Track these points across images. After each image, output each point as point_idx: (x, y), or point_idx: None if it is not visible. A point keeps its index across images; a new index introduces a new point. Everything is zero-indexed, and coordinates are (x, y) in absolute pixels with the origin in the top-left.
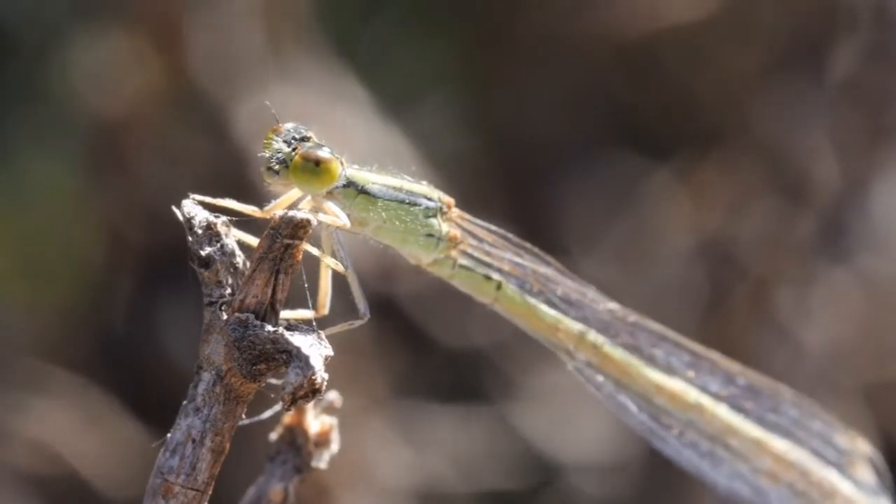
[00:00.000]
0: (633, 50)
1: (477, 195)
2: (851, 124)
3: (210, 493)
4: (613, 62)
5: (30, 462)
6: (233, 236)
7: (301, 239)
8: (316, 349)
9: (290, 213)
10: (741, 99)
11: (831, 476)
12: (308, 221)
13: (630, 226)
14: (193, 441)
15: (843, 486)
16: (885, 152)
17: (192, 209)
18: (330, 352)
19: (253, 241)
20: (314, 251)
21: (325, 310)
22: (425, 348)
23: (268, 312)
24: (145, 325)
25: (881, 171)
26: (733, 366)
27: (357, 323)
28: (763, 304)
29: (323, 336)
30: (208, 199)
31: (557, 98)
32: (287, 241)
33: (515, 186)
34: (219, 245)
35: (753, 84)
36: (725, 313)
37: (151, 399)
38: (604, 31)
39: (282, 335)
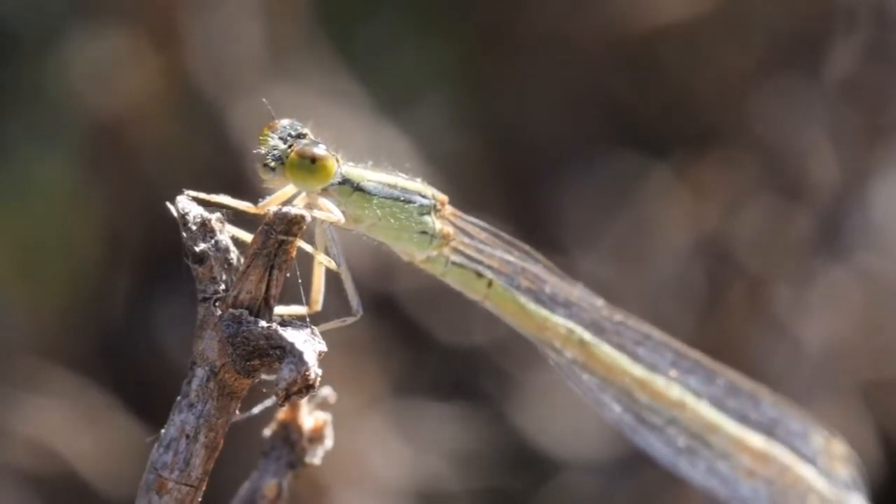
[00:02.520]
0: (631, 48)
1: (476, 193)
2: (850, 123)
3: (204, 488)
4: (612, 60)
5: (28, 460)
6: (227, 232)
7: (295, 235)
8: (310, 345)
9: (285, 209)
10: (740, 97)
11: (808, 472)
12: (302, 217)
13: (628, 223)
14: (187, 437)
15: (819, 481)
16: (884, 151)
17: (187, 205)
18: (324, 347)
19: (247, 237)
20: (307, 248)
21: (318, 306)
22: (423, 346)
23: (262, 308)
24: (143, 323)
25: (879, 170)
26: (716, 365)
27: (350, 320)
28: (761, 301)
29: (317, 332)
30: (202, 195)
31: (556, 96)
32: (281, 237)
33: (514, 184)
34: (213, 241)
35: (752, 82)
36: (724, 311)
37: (149, 397)
38: (602, 29)
39: (275, 331)
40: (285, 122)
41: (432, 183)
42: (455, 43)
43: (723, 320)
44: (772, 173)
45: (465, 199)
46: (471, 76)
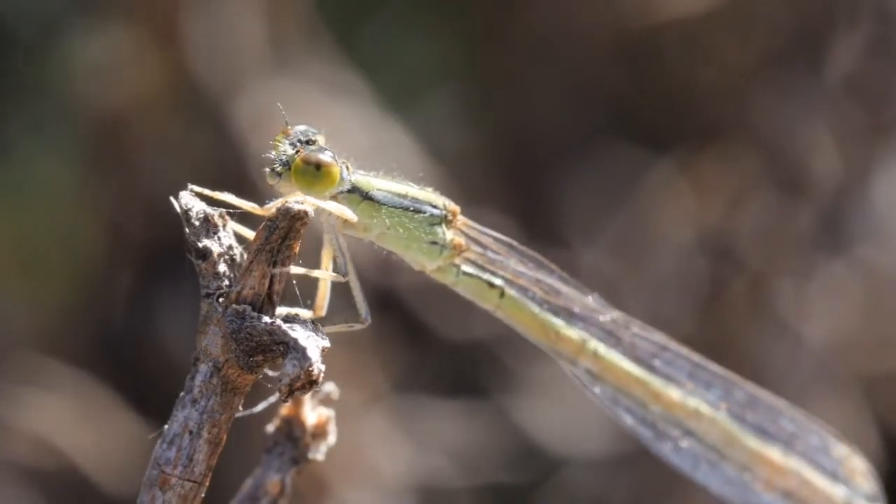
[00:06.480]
0: (634, 43)
1: (478, 188)
2: (851, 118)
3: (207, 484)
4: (614, 56)
5: (29, 456)
6: (230, 228)
7: (298, 231)
8: (313, 341)
9: (288, 204)
10: (741, 92)
11: (827, 484)
12: (305, 213)
13: (630, 218)
14: (190, 432)
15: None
16: (885, 146)
17: (190, 201)
18: (327, 343)
19: (250, 234)
20: (314, 273)
21: (323, 312)
22: (425, 342)
23: (265, 304)
24: (144, 319)
25: (881, 165)
26: (731, 376)
27: (357, 326)
28: (762, 296)
29: (320, 327)
30: (207, 192)
31: (559, 91)
32: (283, 233)
33: (516, 179)
34: (216, 237)
35: (754, 78)
36: (725, 306)
37: (150, 392)
38: (605, 24)
39: (279, 327)
40: (300, 128)
41: (435, 177)
42: (458, 38)
43: (724, 315)
44: (773, 168)
45: (468, 193)
46: (474, 71)
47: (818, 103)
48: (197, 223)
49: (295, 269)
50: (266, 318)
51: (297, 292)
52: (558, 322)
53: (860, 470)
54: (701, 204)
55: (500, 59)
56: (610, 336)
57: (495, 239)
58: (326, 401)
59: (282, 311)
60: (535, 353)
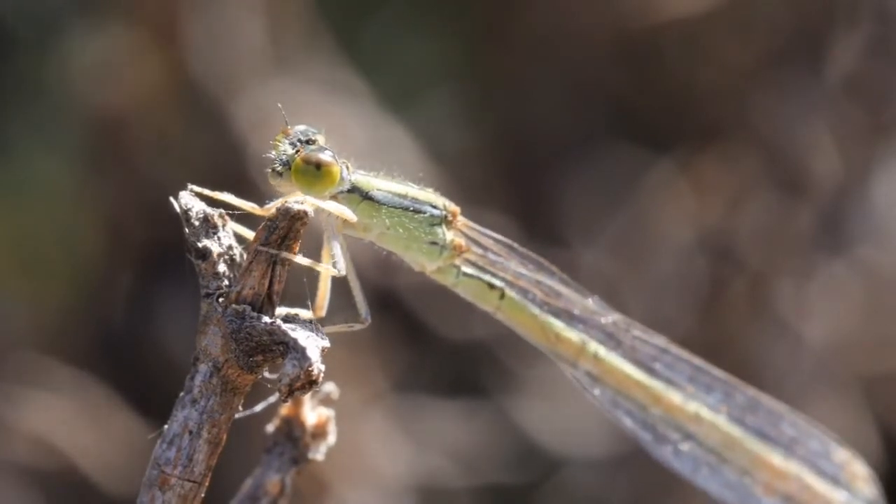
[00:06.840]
0: (634, 43)
1: (478, 188)
2: (851, 118)
3: (207, 484)
4: (614, 56)
5: (29, 456)
6: (230, 228)
7: (298, 231)
8: (313, 341)
9: (287, 204)
10: (742, 92)
11: (828, 489)
12: (305, 213)
13: (630, 218)
14: (190, 433)
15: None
16: (885, 146)
17: (190, 201)
18: (327, 343)
19: (250, 234)
20: (305, 262)
21: (323, 312)
22: (425, 342)
23: (265, 304)
24: (144, 319)
25: (881, 165)
26: (732, 379)
27: (357, 327)
28: (762, 296)
29: (320, 327)
30: (207, 192)
31: (559, 91)
32: (283, 233)
33: (516, 179)
34: (216, 237)
35: (754, 78)
36: (725, 306)
37: (150, 392)
38: (605, 24)
39: (279, 327)
40: (300, 127)
41: (435, 177)
42: (458, 38)
43: (724, 315)
44: (773, 168)
45: (468, 193)
46: (474, 71)
47: (818, 103)
48: (197, 223)
49: (300, 259)
50: (266, 318)
51: (298, 292)
52: (558, 324)
53: (861, 474)
54: (701, 204)
55: (500, 59)
56: (610, 338)
57: (496, 240)
58: (326, 401)
59: (282, 311)
60: (535, 353)
